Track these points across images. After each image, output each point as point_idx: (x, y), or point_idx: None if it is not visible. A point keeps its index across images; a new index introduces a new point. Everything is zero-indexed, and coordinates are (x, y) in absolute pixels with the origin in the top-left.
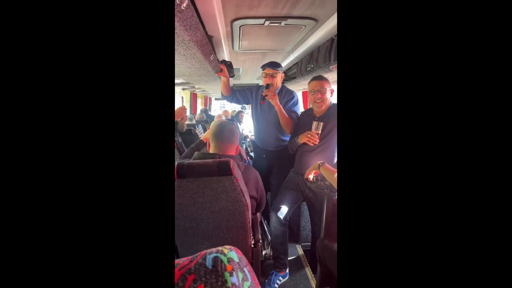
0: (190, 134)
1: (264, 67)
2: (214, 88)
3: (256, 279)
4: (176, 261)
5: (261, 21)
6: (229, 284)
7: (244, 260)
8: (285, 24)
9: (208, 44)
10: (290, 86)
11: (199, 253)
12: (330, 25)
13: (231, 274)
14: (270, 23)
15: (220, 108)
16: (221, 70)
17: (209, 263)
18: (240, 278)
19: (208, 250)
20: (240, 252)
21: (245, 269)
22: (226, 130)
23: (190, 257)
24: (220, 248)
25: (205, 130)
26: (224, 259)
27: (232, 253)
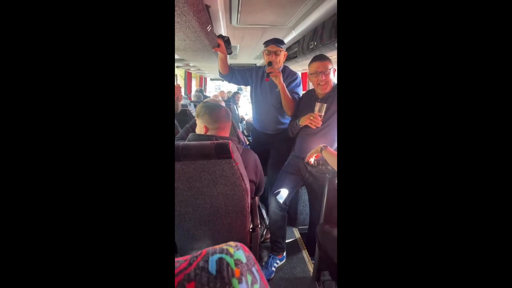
0: (185, 114)
1: (267, 43)
2: (210, 67)
3: (264, 278)
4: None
5: None
6: None
7: (252, 258)
8: None
9: (205, 10)
10: (290, 66)
11: (199, 252)
12: None
13: (240, 281)
14: None
15: (216, 89)
16: (219, 45)
17: (212, 267)
18: (250, 282)
19: (211, 249)
20: (247, 249)
21: (253, 269)
22: (222, 111)
23: (188, 257)
24: (224, 246)
25: None
26: (231, 261)
27: (239, 253)
